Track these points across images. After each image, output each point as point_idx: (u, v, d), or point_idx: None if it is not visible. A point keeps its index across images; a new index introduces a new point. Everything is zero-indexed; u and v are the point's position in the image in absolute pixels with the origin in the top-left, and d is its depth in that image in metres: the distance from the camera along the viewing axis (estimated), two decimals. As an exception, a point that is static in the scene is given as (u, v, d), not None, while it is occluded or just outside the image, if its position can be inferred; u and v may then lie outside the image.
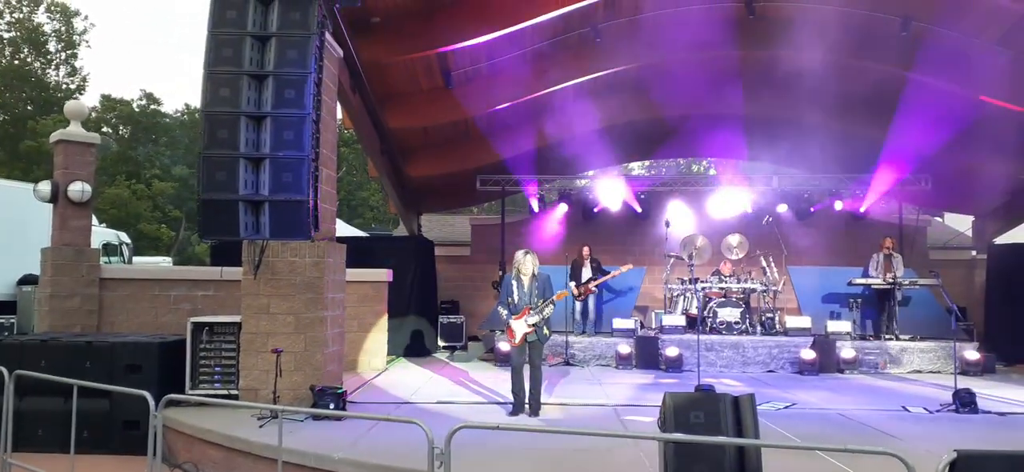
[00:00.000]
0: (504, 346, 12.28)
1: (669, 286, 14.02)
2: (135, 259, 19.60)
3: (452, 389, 10.12)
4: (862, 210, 15.48)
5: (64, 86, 33.71)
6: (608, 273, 13.35)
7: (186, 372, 8.33)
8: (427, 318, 14.46)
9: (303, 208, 6.88)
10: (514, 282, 8.26)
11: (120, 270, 11.86)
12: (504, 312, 8.26)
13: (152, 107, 36.75)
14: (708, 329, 12.79)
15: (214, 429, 7.16)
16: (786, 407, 8.89)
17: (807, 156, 14.85)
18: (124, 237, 18.44)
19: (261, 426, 7.15)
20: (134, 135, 36.01)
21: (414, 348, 13.84)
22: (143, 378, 7.83)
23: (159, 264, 21.70)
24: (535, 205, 16.57)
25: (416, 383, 10.56)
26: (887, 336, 12.75)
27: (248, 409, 7.51)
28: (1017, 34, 10.68)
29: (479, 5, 10.71)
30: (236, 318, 8.35)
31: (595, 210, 16.22)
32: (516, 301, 8.19)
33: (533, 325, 8.09)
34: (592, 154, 15.63)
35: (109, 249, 16.28)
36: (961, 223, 18.43)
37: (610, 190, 15.86)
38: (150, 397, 5.93)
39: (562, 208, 16.48)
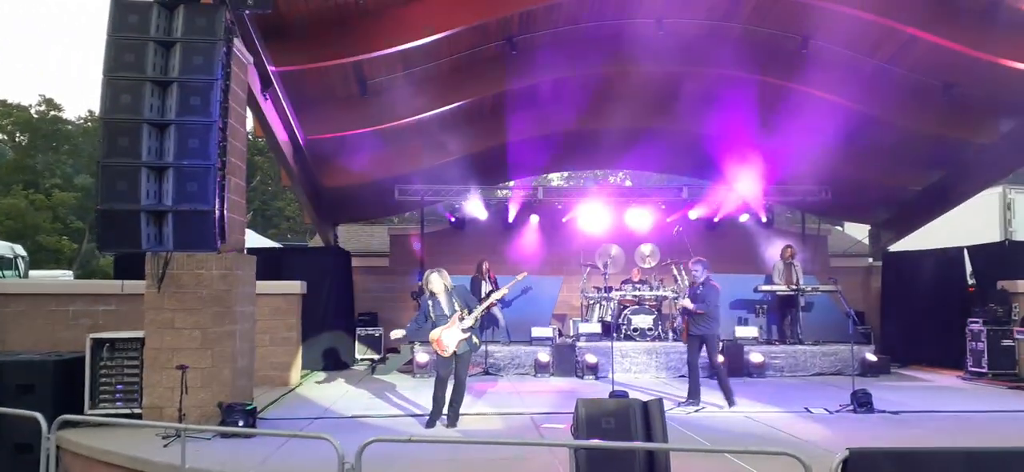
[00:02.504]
0: (422, 358, 12.20)
1: (585, 294, 14.26)
2: (32, 273, 18.65)
3: (369, 402, 9.99)
4: (764, 220, 16.07)
5: (-47, 91, 31.79)
6: (502, 288, 13.45)
7: (85, 391, 7.96)
8: (344, 330, 14.22)
9: (209, 219, 6.71)
10: (430, 302, 8.29)
11: (13, 285, 11.27)
12: (428, 326, 8.25)
13: (52, 113, 34.96)
14: (623, 336, 13.05)
15: (115, 450, 6.86)
16: (696, 411, 9.15)
17: (715, 168, 15.34)
18: (19, 250, 17.53)
19: (166, 445, 6.91)
20: (32, 142, 34.18)
21: (331, 361, 13.58)
22: (37, 399, 7.43)
23: (58, 278, 20.66)
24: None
25: (332, 397, 10.38)
26: (791, 340, 13.29)
27: (152, 428, 7.26)
28: (907, 52, 11.37)
29: (394, 16, 10.64)
30: (139, 334, 8.04)
31: (512, 220, 16.32)
32: (436, 318, 8.22)
33: (468, 329, 8.16)
34: (511, 164, 15.74)
35: (3, 263, 15.44)
36: (859, 232, 19.38)
37: (528, 200, 16.00)
38: (42, 418, 5.68)
39: (481, 217, 16.49)
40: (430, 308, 8.25)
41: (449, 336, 8.14)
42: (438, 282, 8.30)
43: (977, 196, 14.95)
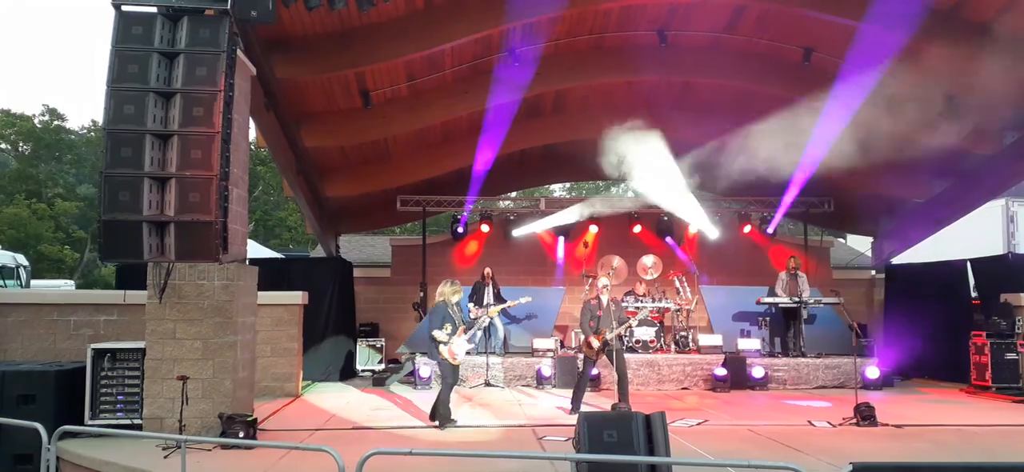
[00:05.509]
0: (425, 371, 12.19)
1: (587, 306, 14.20)
2: (34, 282, 18.66)
3: (370, 413, 9.95)
4: (770, 231, 16.05)
5: (-43, 101, 31.87)
6: (507, 303, 13.44)
7: (86, 401, 7.94)
8: (346, 341, 14.20)
9: (211, 229, 6.71)
10: (449, 311, 8.93)
11: (14, 294, 11.26)
12: (444, 335, 8.78)
13: (55, 123, 35.07)
14: (625, 348, 12.97)
15: (114, 461, 6.85)
16: (698, 423, 9.11)
17: (719, 180, 15.32)
18: (21, 259, 17.55)
19: (166, 457, 6.89)
20: (35, 152, 34.26)
21: (332, 372, 13.56)
22: (37, 409, 7.44)
23: (59, 288, 20.66)
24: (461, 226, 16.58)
25: (332, 408, 10.35)
26: (794, 353, 13.23)
27: (152, 439, 7.24)
28: (909, 64, 11.37)
29: (397, 27, 10.69)
30: (140, 344, 8.03)
31: (515, 231, 16.30)
32: (453, 327, 8.85)
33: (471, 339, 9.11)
34: (514, 175, 15.76)
35: (4, 272, 15.45)
36: (861, 244, 19.35)
37: (530, 211, 16.01)
38: (42, 429, 5.66)
39: (483, 229, 16.51)
40: (453, 316, 8.88)
41: (458, 346, 8.85)
42: (453, 295, 9.03)
43: (980, 209, 14.92)
